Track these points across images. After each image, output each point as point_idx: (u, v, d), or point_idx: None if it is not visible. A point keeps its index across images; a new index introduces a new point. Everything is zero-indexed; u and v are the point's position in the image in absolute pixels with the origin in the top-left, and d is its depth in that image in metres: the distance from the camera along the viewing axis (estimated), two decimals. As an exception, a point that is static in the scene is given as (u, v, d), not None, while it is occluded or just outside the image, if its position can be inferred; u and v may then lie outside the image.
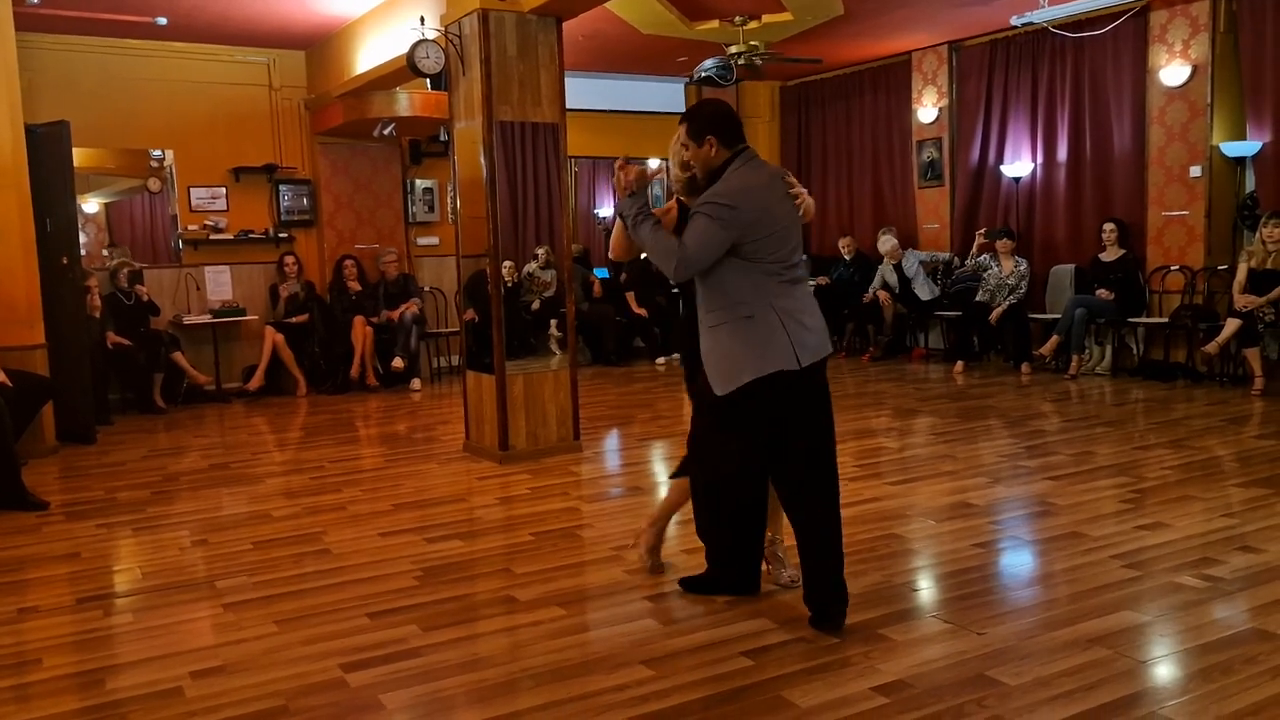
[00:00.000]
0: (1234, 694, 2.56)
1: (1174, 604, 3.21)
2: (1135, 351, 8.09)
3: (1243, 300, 7.00)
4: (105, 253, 8.38)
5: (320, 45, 8.47)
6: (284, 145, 8.87)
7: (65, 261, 6.54)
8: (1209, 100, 7.56)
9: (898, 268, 9.37)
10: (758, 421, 3.10)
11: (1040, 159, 8.81)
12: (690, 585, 3.45)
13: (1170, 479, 4.77)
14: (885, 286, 9.42)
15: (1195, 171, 7.67)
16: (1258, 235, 7.14)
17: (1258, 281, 7.02)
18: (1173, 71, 7.71)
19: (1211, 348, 7.11)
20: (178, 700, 2.72)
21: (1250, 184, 7.66)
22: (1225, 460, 5.19)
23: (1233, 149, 7.52)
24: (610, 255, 3.40)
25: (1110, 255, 7.99)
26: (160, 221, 8.65)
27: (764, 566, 3.44)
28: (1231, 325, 7.00)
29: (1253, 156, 7.51)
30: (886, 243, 9.43)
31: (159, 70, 8.30)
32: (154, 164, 8.46)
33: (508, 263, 6.58)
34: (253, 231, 8.75)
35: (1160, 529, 3.99)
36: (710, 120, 3.13)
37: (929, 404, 7.17)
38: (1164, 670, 2.78)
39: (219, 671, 2.90)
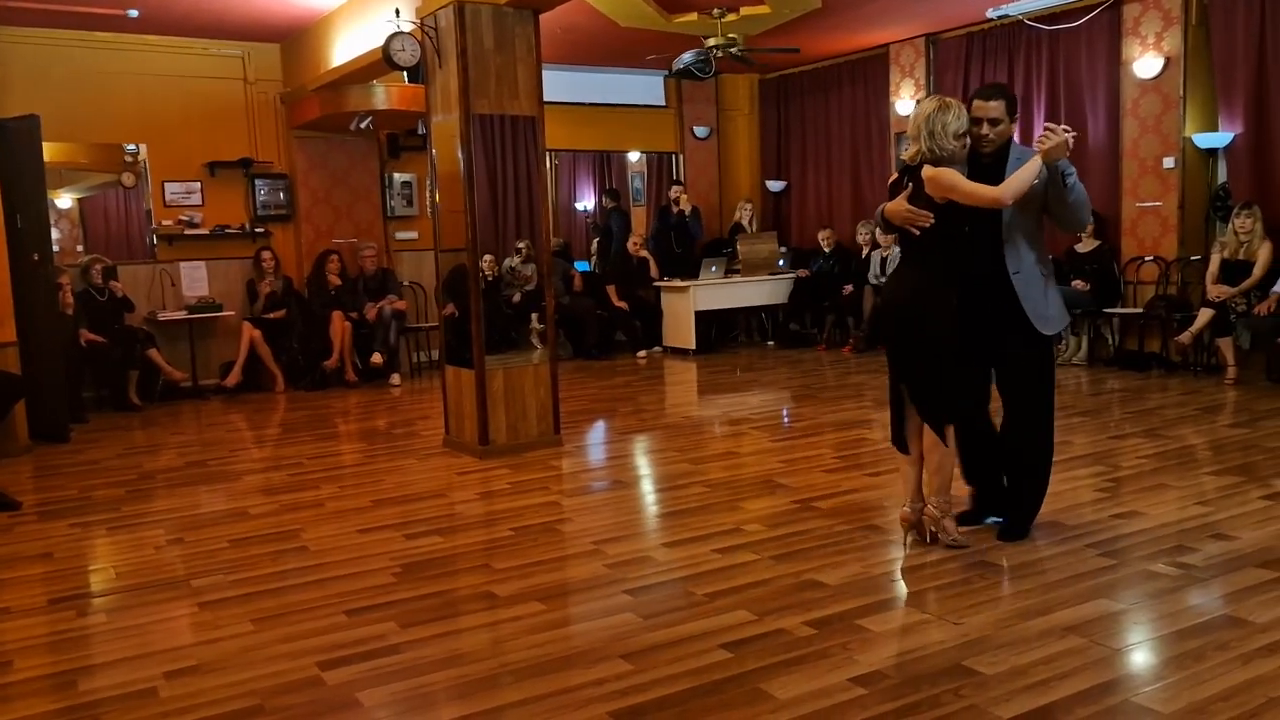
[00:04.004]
0: (1206, 680, 2.59)
1: (1148, 592, 3.24)
2: (1111, 341, 8.16)
3: (1215, 290, 7.07)
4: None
5: (295, 38, 8.40)
6: (259, 139, 8.79)
7: (37, 258, 6.47)
8: (1181, 92, 7.62)
9: (883, 260, 9.41)
10: (1035, 354, 3.78)
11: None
12: (967, 519, 3.94)
13: (1145, 468, 4.82)
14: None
15: (1168, 163, 7.73)
16: (1230, 226, 7.21)
17: (1230, 272, 7.09)
18: (1146, 64, 7.77)
19: (1185, 337, 7.18)
20: (152, 701, 2.70)
21: (1222, 175, 7.72)
22: (1199, 449, 5.24)
23: (1205, 140, 7.58)
24: (1006, 200, 3.52)
25: (1086, 246, 8.04)
26: (134, 217, 8.56)
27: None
28: (1204, 315, 7.07)
29: (1224, 148, 7.57)
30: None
31: (131, 64, 8.20)
32: (127, 158, 8.36)
33: (487, 257, 6.56)
34: (229, 227, 8.67)
35: (1135, 517, 4.03)
36: (1016, 102, 3.72)
37: (907, 395, 7.19)
38: (1138, 658, 2.81)
39: (194, 671, 2.88)
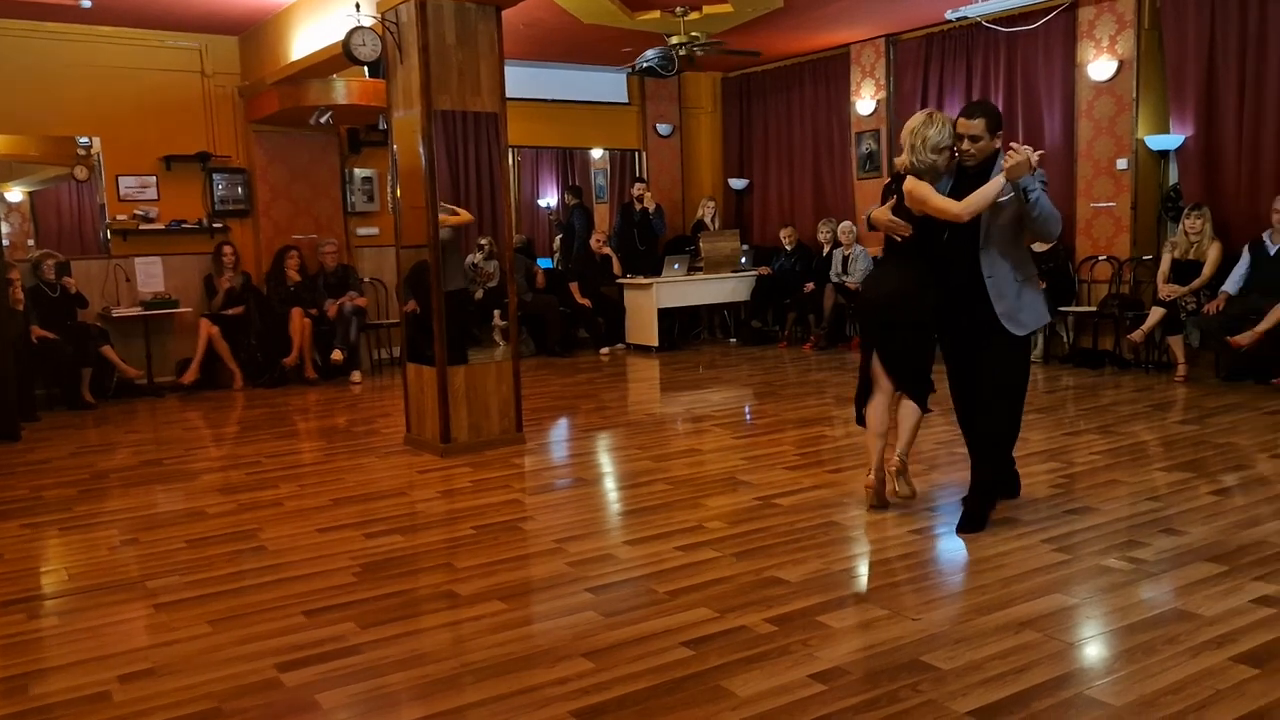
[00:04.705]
0: (1156, 674, 2.65)
1: (1101, 586, 3.30)
2: (1065, 339, 8.29)
3: (1166, 290, 7.22)
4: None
5: (254, 31, 8.29)
6: (217, 133, 8.67)
7: (-14, 253, 6.33)
8: (1134, 95, 7.76)
9: (845, 259, 9.49)
10: (1009, 352, 3.92)
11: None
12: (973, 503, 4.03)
13: (1099, 464, 4.91)
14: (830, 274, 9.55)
15: (1122, 164, 7.87)
16: (1180, 226, 7.36)
17: (1180, 271, 7.24)
18: (1100, 66, 7.90)
19: (1137, 335, 7.32)
20: (105, 705, 2.66)
21: (1173, 176, 7.88)
22: (1150, 445, 5.35)
23: (1157, 142, 7.73)
24: (964, 217, 3.77)
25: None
26: (87, 211, 8.40)
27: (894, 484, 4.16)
28: (1156, 314, 7.21)
29: (1176, 150, 7.72)
30: (846, 230, 9.52)
31: (85, 55, 8.05)
32: (80, 151, 8.20)
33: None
34: (185, 221, 8.54)
35: (1088, 513, 4.10)
36: (1000, 119, 3.85)
37: (868, 393, 7.26)
38: (1091, 651, 2.86)
39: (149, 674, 2.84)
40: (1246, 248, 7.01)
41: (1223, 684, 2.57)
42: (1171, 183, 7.89)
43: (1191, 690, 2.54)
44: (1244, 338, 6.62)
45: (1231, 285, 6.96)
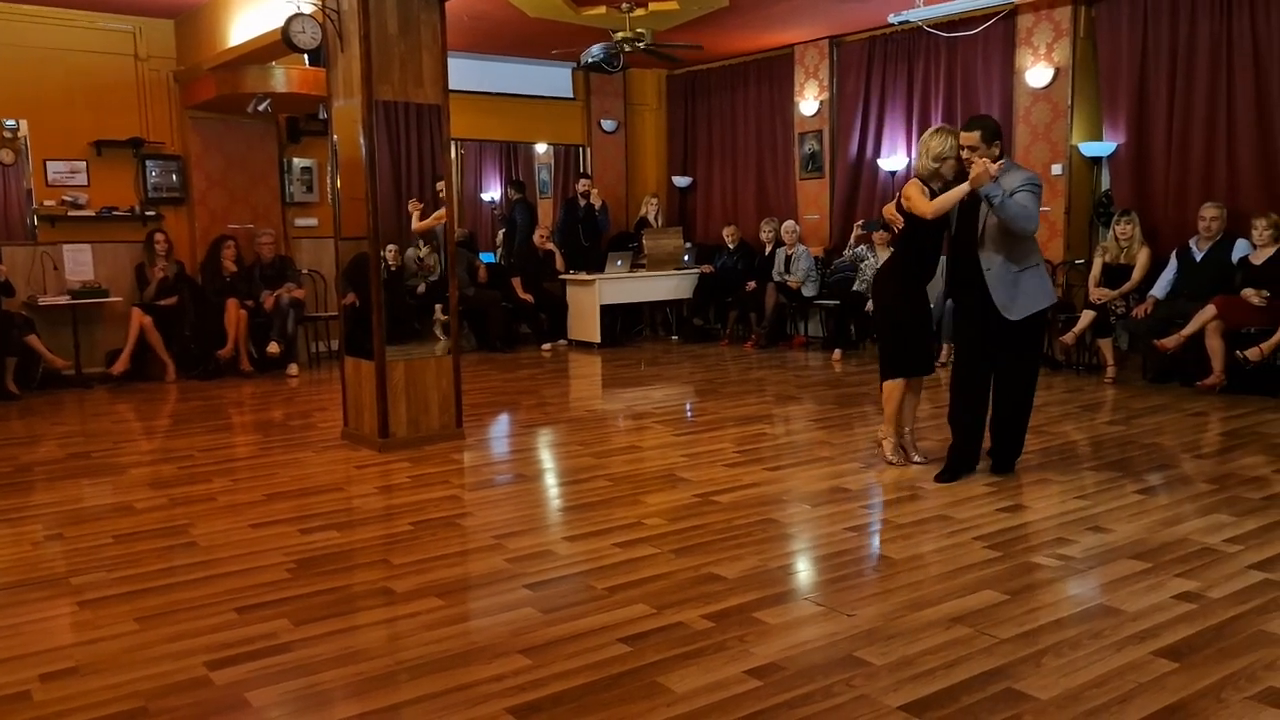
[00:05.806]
0: (1081, 668, 2.72)
1: (1030, 583, 3.38)
2: (1001, 341, 8.46)
3: (1097, 293, 7.40)
4: None
5: (190, 14, 8.09)
6: (151, 119, 8.45)
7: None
8: (1070, 102, 7.95)
9: (787, 258, 9.57)
10: (1018, 334, 4.47)
11: (915, 153, 9.10)
12: (944, 477, 4.61)
13: (1030, 463, 5.01)
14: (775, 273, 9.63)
15: (1056, 170, 8.05)
16: (1111, 231, 7.57)
17: (1111, 275, 7.44)
18: (1037, 73, 8.07)
19: (1069, 338, 7.50)
20: (24, 705, 2.58)
21: (1105, 182, 8.09)
22: (1080, 445, 5.49)
23: (1090, 149, 7.92)
24: (929, 215, 4.43)
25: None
26: (13, 196, 8.13)
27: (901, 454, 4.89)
28: (1086, 317, 7.39)
29: (1108, 156, 7.93)
30: (790, 229, 9.60)
31: (11, 35, 7.78)
32: (6, 134, 7.94)
33: (391, 246, 6.44)
34: (117, 209, 8.31)
35: (1020, 511, 4.20)
36: (997, 130, 4.45)
37: (808, 391, 7.35)
38: (1020, 646, 2.92)
39: (72, 673, 2.76)
40: (1174, 253, 7.22)
41: (1144, 677, 2.65)
42: (1103, 189, 8.10)
43: (1115, 684, 2.62)
44: (1170, 341, 6.82)
45: (1159, 290, 7.17)
